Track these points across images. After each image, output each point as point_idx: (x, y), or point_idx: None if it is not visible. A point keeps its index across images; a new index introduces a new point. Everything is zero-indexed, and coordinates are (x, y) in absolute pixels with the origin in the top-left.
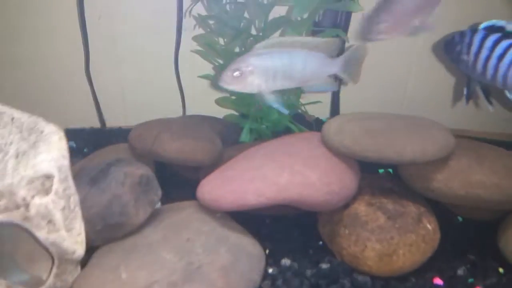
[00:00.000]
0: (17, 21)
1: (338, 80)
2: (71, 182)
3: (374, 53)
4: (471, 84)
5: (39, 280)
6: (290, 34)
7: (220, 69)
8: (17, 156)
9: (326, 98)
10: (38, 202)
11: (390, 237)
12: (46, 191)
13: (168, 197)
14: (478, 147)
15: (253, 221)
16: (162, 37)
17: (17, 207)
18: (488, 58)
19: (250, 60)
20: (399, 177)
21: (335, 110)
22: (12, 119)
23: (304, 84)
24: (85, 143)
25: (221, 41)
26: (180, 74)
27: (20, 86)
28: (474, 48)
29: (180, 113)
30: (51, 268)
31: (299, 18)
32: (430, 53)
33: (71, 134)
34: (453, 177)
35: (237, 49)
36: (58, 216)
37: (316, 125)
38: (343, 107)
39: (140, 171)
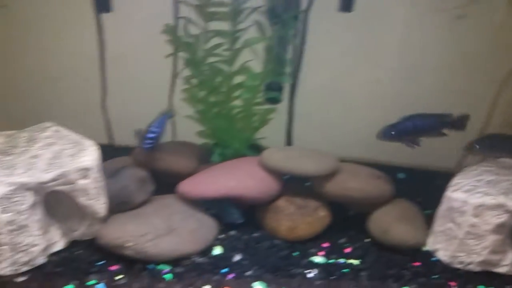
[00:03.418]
0: None
1: None
2: (100, 174)
3: None
4: None
5: (73, 229)
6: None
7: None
8: (70, 156)
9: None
10: (81, 182)
11: (295, 219)
12: (85, 177)
13: (159, 192)
14: (355, 169)
15: None
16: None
17: (70, 183)
18: None
19: None
20: (311, 186)
21: (289, 139)
22: (65, 135)
23: None
24: None
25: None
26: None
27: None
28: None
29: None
30: (86, 220)
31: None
32: None
33: None
34: (334, 184)
35: (213, 99)
36: (91, 191)
37: None
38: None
39: (141, 173)
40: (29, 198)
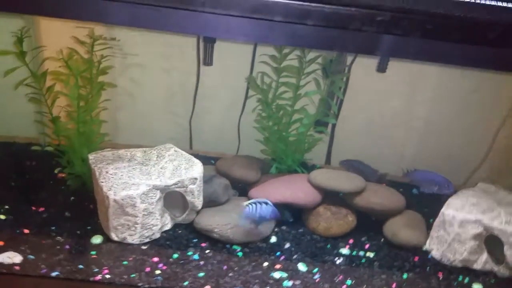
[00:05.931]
0: None
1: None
2: (202, 182)
3: None
4: None
5: (177, 216)
6: (301, 130)
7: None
8: (185, 169)
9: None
10: (190, 187)
11: (330, 221)
12: (194, 183)
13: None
14: (378, 188)
15: None
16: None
17: (183, 187)
18: None
19: None
20: (343, 198)
21: (328, 160)
22: (181, 154)
23: None
24: None
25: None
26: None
27: None
28: None
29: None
30: (186, 211)
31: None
32: None
33: None
34: (361, 198)
35: (276, 128)
36: (196, 193)
37: (312, 169)
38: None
39: (226, 181)
40: (157, 195)
